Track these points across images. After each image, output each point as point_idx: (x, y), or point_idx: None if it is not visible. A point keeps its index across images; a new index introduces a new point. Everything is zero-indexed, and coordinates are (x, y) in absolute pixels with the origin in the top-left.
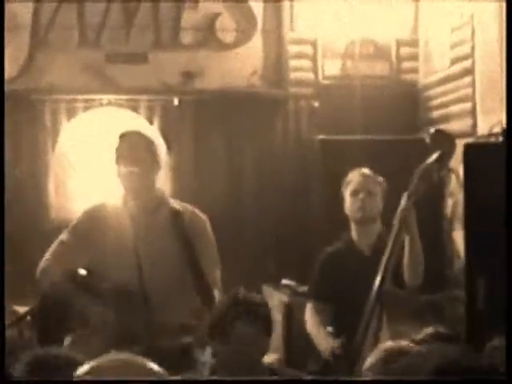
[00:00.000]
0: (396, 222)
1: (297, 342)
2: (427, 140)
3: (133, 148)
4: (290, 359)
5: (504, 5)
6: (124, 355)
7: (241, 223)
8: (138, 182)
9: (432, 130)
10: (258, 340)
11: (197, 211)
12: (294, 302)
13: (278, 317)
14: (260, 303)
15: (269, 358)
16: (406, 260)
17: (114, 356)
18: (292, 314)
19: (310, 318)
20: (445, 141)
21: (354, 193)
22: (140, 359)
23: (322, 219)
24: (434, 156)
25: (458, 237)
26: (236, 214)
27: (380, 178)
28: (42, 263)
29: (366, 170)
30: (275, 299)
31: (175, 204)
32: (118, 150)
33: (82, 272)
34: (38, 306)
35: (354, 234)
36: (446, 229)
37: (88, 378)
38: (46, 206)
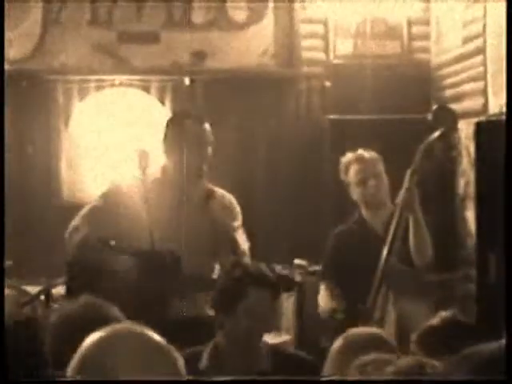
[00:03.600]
0: (399, 200)
1: (308, 321)
2: (429, 117)
3: (194, 128)
4: (301, 339)
5: (504, 4)
6: (127, 325)
7: (253, 203)
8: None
9: (434, 107)
10: (265, 313)
11: (226, 194)
12: (306, 281)
13: (289, 297)
14: (268, 274)
15: (280, 338)
16: (411, 239)
17: (120, 326)
18: (304, 294)
19: (324, 297)
20: (447, 118)
21: (362, 181)
22: (145, 331)
23: (334, 198)
24: (437, 133)
25: (471, 216)
26: (248, 194)
27: (374, 154)
28: (73, 223)
29: (360, 153)
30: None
31: (209, 185)
32: (179, 125)
33: (112, 242)
34: (68, 263)
35: (365, 213)
36: (458, 208)
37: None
38: (58, 184)
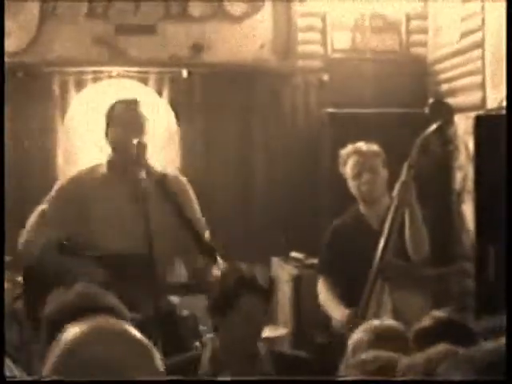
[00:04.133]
0: (395, 194)
1: (306, 314)
2: (426, 111)
3: (131, 114)
4: (298, 332)
5: (504, 4)
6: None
7: (250, 196)
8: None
9: (431, 101)
10: (259, 314)
11: (179, 176)
12: (302, 274)
13: (286, 290)
14: (262, 278)
15: (277, 332)
16: (407, 233)
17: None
18: (301, 287)
19: (323, 292)
20: (444, 111)
21: (357, 176)
22: (123, 325)
23: (331, 192)
24: (433, 127)
25: (468, 210)
26: (245, 187)
27: (375, 148)
28: (24, 235)
29: (360, 145)
30: (284, 272)
31: (159, 168)
32: (115, 113)
33: (66, 243)
34: (23, 278)
35: (362, 207)
36: (455, 202)
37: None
38: (55, 177)
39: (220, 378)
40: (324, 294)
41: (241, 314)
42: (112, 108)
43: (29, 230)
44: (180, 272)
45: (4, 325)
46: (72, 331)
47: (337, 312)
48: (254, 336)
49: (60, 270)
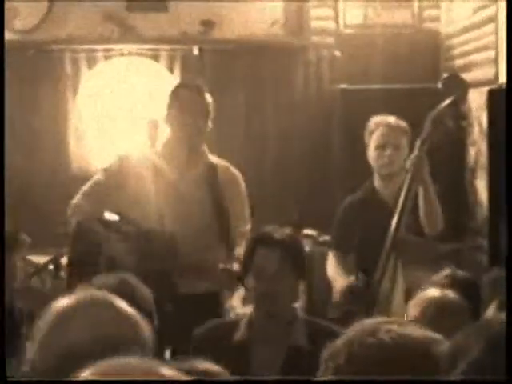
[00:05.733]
0: (408, 169)
1: (318, 291)
2: (439, 86)
3: (194, 99)
4: (310, 308)
5: (504, 5)
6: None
7: (262, 173)
8: (192, 132)
9: (445, 75)
10: (281, 269)
11: (231, 167)
12: (315, 251)
13: None
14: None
15: None
16: (421, 208)
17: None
18: (314, 264)
19: (331, 266)
20: (457, 86)
21: (380, 147)
22: (114, 300)
23: (344, 168)
24: (447, 101)
25: (481, 186)
26: (257, 164)
27: (404, 125)
28: (74, 200)
29: (391, 119)
30: None
31: (212, 159)
32: (179, 95)
33: (114, 217)
34: (70, 243)
35: (377, 183)
36: (469, 178)
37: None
38: (66, 155)
39: (220, 379)
40: (332, 268)
41: (257, 271)
42: (178, 89)
43: (79, 196)
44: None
45: (4, 325)
46: (61, 303)
47: (341, 282)
48: (275, 296)
49: (98, 242)
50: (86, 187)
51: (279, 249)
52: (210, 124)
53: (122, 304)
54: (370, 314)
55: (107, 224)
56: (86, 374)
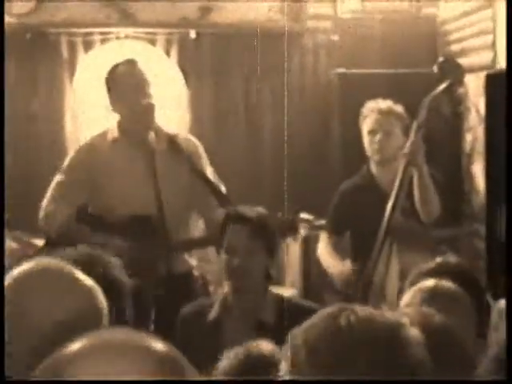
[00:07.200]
0: (403, 154)
1: (314, 275)
2: (435, 70)
3: (133, 75)
4: (307, 293)
5: (504, 5)
6: None
7: (259, 157)
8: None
9: (440, 59)
10: (250, 246)
11: (189, 135)
12: (311, 235)
13: (295, 250)
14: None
15: (286, 292)
16: (416, 193)
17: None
18: (309, 248)
19: (322, 245)
20: (453, 70)
21: (371, 132)
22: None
23: (341, 153)
24: (442, 86)
25: (477, 171)
26: (254, 148)
27: (399, 109)
28: (44, 209)
29: (383, 105)
30: None
31: (169, 130)
32: (116, 76)
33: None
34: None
35: (373, 168)
36: (465, 164)
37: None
38: (62, 140)
39: (221, 379)
40: (323, 247)
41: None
42: (112, 72)
43: (47, 203)
44: (195, 228)
45: (4, 324)
46: (16, 271)
47: (334, 267)
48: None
49: (80, 240)
50: (50, 192)
51: (249, 226)
52: (152, 98)
53: (80, 274)
54: (365, 298)
55: (87, 220)
56: (74, 346)
